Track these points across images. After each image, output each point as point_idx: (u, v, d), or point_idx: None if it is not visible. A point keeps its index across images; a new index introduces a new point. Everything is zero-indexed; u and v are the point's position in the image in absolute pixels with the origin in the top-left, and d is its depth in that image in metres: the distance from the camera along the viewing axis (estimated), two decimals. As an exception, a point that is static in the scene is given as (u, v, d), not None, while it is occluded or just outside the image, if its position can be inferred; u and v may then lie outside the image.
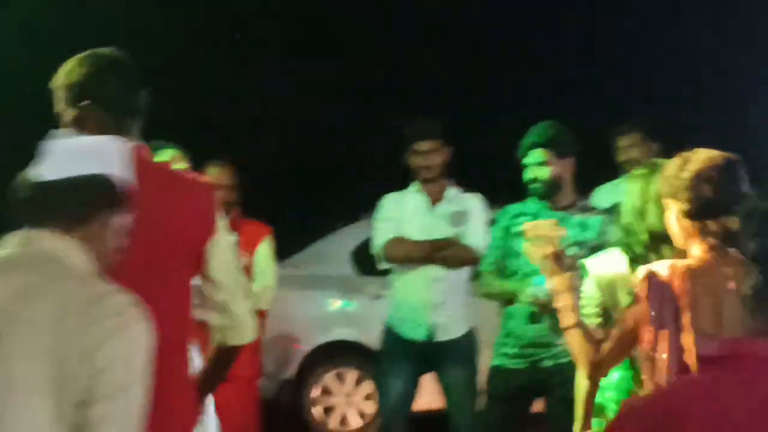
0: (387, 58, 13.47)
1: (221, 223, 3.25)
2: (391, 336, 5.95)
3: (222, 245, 3.23)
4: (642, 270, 3.14)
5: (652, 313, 3.06)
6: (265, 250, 6.36)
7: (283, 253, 7.37)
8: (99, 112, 3.15)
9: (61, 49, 3.42)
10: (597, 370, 3.47)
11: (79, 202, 2.58)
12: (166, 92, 4.67)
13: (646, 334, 3.08)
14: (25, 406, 2.39)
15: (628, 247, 3.67)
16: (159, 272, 3.08)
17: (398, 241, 5.84)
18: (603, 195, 6.03)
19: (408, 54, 13.48)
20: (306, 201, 12.89)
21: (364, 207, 7.96)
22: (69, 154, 2.60)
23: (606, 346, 3.39)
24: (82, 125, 3.13)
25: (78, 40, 3.62)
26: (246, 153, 9.07)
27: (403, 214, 5.90)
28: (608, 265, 3.77)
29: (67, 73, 3.19)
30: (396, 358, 5.86)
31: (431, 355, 5.82)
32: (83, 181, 2.57)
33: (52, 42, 7.45)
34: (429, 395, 6.63)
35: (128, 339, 2.46)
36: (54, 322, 2.43)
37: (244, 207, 6.36)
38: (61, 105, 3.19)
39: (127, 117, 3.20)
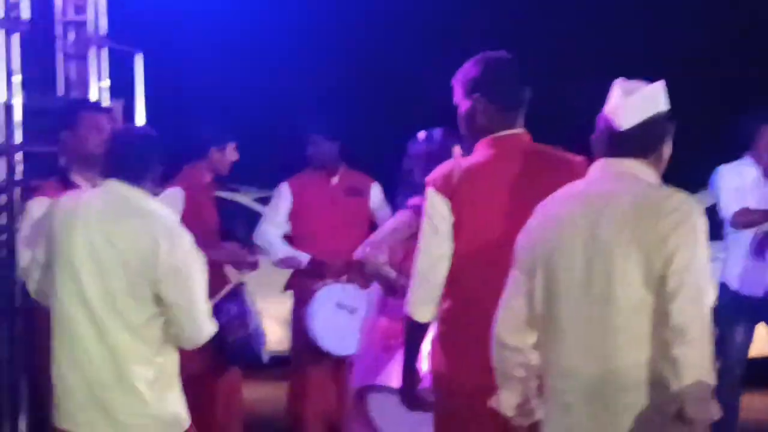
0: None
1: None
2: (728, 292, 6.54)
3: None
4: None
5: None
6: None
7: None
8: (487, 103, 3.78)
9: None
10: None
11: (657, 135, 3.30)
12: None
13: None
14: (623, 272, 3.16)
15: None
16: None
17: (746, 209, 6.45)
18: None
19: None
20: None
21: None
22: (635, 104, 3.25)
23: None
24: (473, 115, 3.81)
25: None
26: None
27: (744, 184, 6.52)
28: None
29: (463, 71, 3.86)
30: (733, 312, 6.46)
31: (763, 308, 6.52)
32: (657, 120, 3.28)
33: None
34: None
35: (689, 227, 3.13)
36: (631, 216, 3.16)
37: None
38: (457, 97, 3.88)
39: (512, 108, 3.81)
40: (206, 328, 4.03)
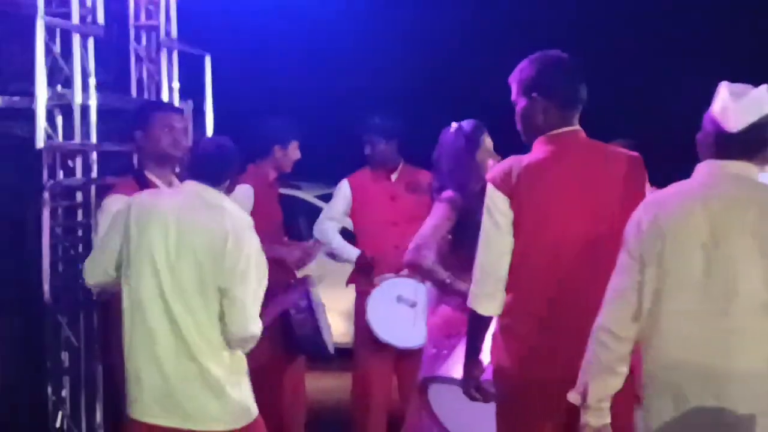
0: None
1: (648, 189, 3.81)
2: None
3: None
4: None
5: None
6: None
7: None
8: (545, 102, 3.82)
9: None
10: None
11: (763, 138, 3.32)
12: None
13: None
14: (746, 275, 3.22)
15: None
16: (608, 230, 3.68)
17: None
18: None
19: None
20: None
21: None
22: (745, 107, 3.28)
23: None
24: (529, 115, 3.87)
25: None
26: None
27: None
28: None
29: (520, 70, 3.90)
30: None
31: None
32: (764, 123, 3.29)
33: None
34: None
35: None
36: (757, 222, 3.23)
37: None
38: (514, 95, 3.93)
39: (569, 107, 3.85)
40: (251, 328, 4.06)
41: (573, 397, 3.51)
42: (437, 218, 5.01)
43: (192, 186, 4.16)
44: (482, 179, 4.33)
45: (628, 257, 3.39)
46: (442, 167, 5.23)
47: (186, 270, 4.01)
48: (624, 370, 3.44)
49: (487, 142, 5.20)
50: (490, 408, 3.98)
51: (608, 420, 3.48)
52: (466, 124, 5.23)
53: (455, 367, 4.33)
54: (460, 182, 5.10)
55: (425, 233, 5.02)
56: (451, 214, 5.01)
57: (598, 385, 3.44)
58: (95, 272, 4.24)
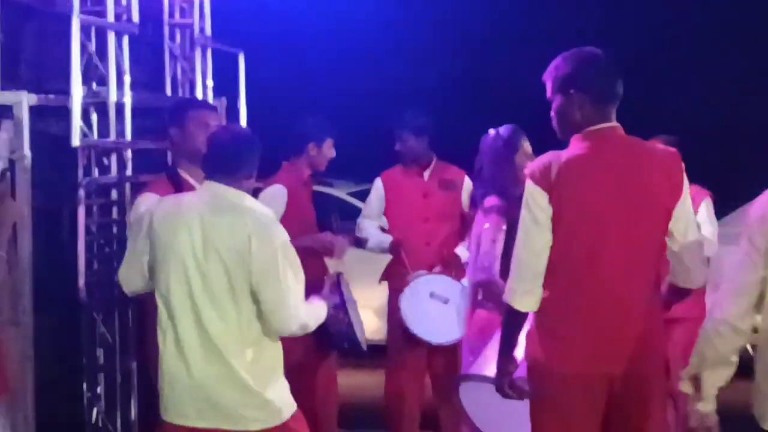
0: None
1: (686, 186, 3.82)
2: None
3: (686, 205, 3.83)
4: None
5: None
6: (703, 212, 6.38)
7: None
8: (582, 97, 3.80)
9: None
10: None
11: None
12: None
13: None
14: None
15: None
16: (647, 225, 3.75)
17: None
18: None
19: None
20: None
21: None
22: None
23: None
24: (566, 111, 3.85)
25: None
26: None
27: None
28: None
29: (555, 67, 3.90)
30: None
31: None
32: None
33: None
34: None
35: None
36: None
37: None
38: (550, 93, 3.91)
39: (606, 102, 3.83)
40: (299, 318, 4.07)
41: (685, 386, 3.65)
42: (493, 232, 5.03)
43: (212, 187, 4.12)
44: (523, 183, 4.24)
45: (754, 252, 3.47)
46: (484, 174, 5.23)
47: (214, 273, 4.00)
48: (736, 360, 3.58)
49: (526, 145, 5.20)
50: (520, 405, 3.98)
51: (715, 407, 3.63)
52: (504, 129, 5.24)
53: (486, 365, 4.34)
54: (501, 187, 5.10)
55: (488, 250, 5.02)
56: (501, 222, 5.03)
57: (712, 376, 3.58)
58: (131, 280, 4.25)
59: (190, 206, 4.10)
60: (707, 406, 3.62)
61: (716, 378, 3.59)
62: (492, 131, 5.27)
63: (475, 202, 5.34)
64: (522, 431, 4.11)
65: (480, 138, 5.40)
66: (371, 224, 6.44)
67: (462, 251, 6.21)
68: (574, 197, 3.75)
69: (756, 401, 3.56)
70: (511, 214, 4.89)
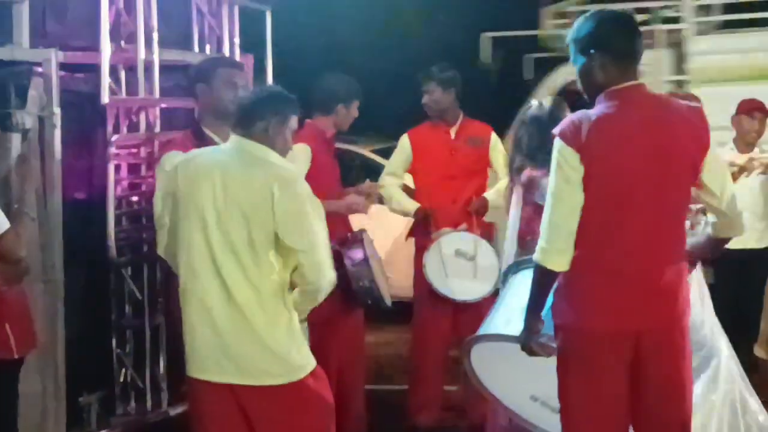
0: None
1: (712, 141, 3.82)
2: None
3: (715, 158, 3.84)
4: None
5: None
6: None
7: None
8: (603, 58, 3.76)
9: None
10: None
11: None
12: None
13: None
14: None
15: None
16: (674, 181, 3.74)
17: None
18: None
19: None
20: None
21: None
22: None
23: None
24: (589, 72, 3.82)
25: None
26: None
27: None
28: None
29: (577, 29, 3.86)
30: None
31: None
32: None
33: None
34: None
35: None
36: None
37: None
38: (573, 55, 3.88)
39: (629, 61, 3.79)
40: (328, 273, 4.06)
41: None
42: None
43: (237, 142, 4.11)
44: None
45: None
46: (522, 145, 5.11)
47: (234, 226, 3.98)
48: None
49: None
50: (537, 365, 3.94)
51: None
52: (547, 101, 5.13)
53: (499, 324, 4.22)
54: (543, 159, 5.01)
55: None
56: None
57: None
58: (171, 245, 4.22)
59: (213, 159, 4.10)
60: None
61: None
62: (535, 102, 5.17)
63: (512, 174, 5.22)
64: (534, 390, 4.17)
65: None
66: (394, 183, 6.36)
67: (493, 197, 6.14)
68: (604, 156, 3.72)
69: None
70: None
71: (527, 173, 5.02)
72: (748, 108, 6.86)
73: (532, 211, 4.94)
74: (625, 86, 3.80)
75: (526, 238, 4.92)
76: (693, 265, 4.00)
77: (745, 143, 6.79)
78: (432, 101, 6.23)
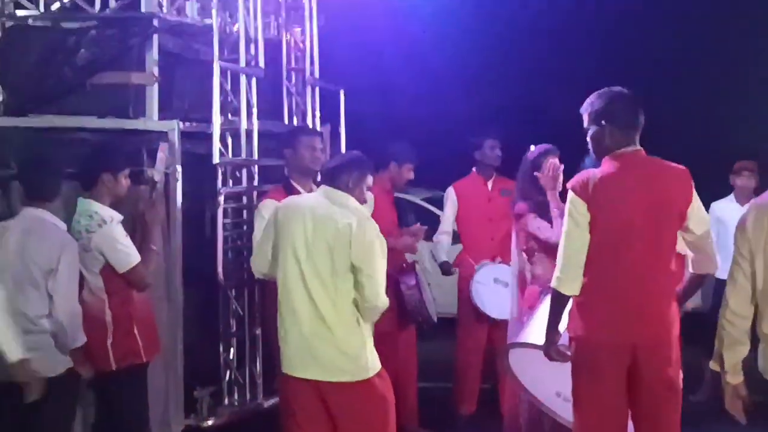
0: None
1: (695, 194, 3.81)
2: None
3: (698, 207, 3.82)
4: None
5: None
6: None
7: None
8: (612, 128, 3.79)
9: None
10: None
11: None
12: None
13: None
14: None
15: None
16: (663, 226, 3.74)
17: None
18: None
19: None
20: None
21: None
22: None
23: None
24: (600, 138, 3.84)
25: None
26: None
27: None
28: None
29: (590, 103, 3.90)
30: None
31: None
32: None
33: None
34: None
35: None
36: None
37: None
38: (586, 123, 3.91)
39: (631, 131, 3.81)
40: (383, 296, 4.05)
41: (713, 365, 3.65)
42: (541, 224, 4.94)
43: (324, 190, 4.18)
44: (543, 193, 4.61)
45: (738, 252, 3.54)
46: (521, 184, 5.14)
47: (321, 257, 4.01)
48: (747, 340, 3.57)
49: (549, 163, 4.98)
50: (561, 368, 3.95)
51: (742, 378, 3.59)
52: (538, 148, 5.11)
53: (531, 335, 4.30)
54: (528, 195, 5.04)
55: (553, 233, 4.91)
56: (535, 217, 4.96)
57: (731, 354, 3.57)
58: (261, 265, 4.28)
59: (306, 203, 4.16)
60: (735, 378, 3.61)
61: (734, 354, 3.57)
62: (531, 148, 5.16)
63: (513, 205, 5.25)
64: (558, 388, 4.19)
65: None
66: (447, 241, 6.31)
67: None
68: (607, 206, 3.76)
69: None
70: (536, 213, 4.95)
71: (519, 206, 5.04)
72: (738, 168, 6.73)
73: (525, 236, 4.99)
74: (626, 150, 3.82)
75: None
76: (681, 304, 3.98)
77: (743, 196, 6.63)
78: (490, 157, 6.16)
